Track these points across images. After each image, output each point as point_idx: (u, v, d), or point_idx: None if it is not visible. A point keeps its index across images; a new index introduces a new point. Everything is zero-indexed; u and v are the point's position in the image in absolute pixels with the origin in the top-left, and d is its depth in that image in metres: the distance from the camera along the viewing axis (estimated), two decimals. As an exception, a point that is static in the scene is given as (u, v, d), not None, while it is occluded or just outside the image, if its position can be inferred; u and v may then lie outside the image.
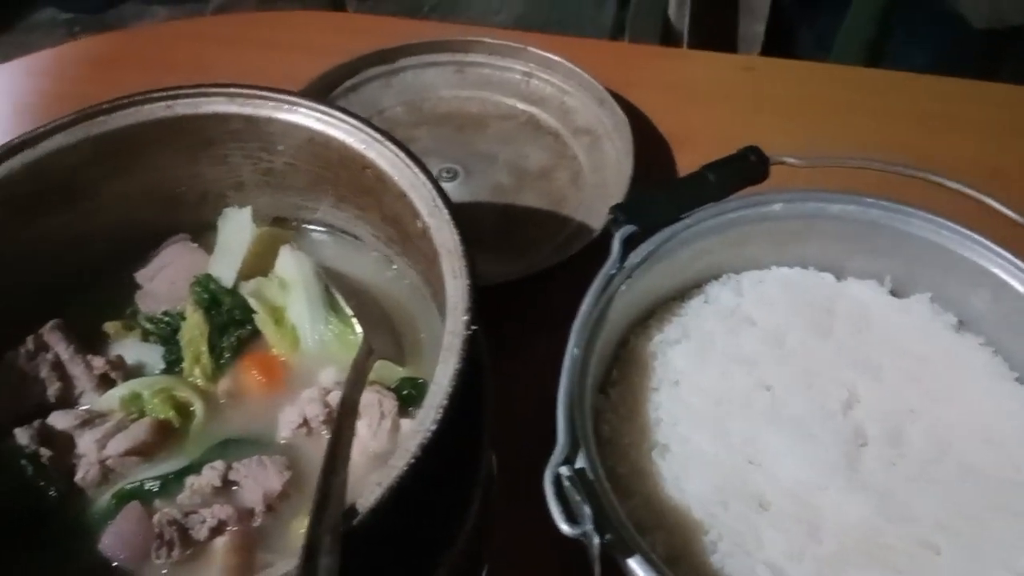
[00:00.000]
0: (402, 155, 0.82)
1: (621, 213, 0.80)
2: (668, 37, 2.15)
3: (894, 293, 0.90)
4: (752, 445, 0.76)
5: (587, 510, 0.59)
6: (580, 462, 0.66)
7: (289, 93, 0.87)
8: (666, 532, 0.71)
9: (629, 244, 0.79)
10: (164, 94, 0.86)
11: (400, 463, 0.64)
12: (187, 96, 0.87)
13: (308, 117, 0.86)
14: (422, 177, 0.81)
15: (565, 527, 0.60)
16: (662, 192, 0.83)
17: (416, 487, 0.65)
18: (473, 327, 0.71)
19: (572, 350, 0.73)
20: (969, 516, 0.72)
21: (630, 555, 0.61)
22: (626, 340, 0.85)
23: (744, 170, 0.84)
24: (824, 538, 0.71)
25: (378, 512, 0.62)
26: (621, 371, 0.83)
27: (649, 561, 0.61)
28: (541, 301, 1.10)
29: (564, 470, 0.64)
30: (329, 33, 1.50)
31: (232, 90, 0.87)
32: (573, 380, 0.71)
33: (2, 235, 0.84)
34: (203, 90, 0.87)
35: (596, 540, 0.59)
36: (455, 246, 0.77)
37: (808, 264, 0.90)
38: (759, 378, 0.80)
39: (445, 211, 0.79)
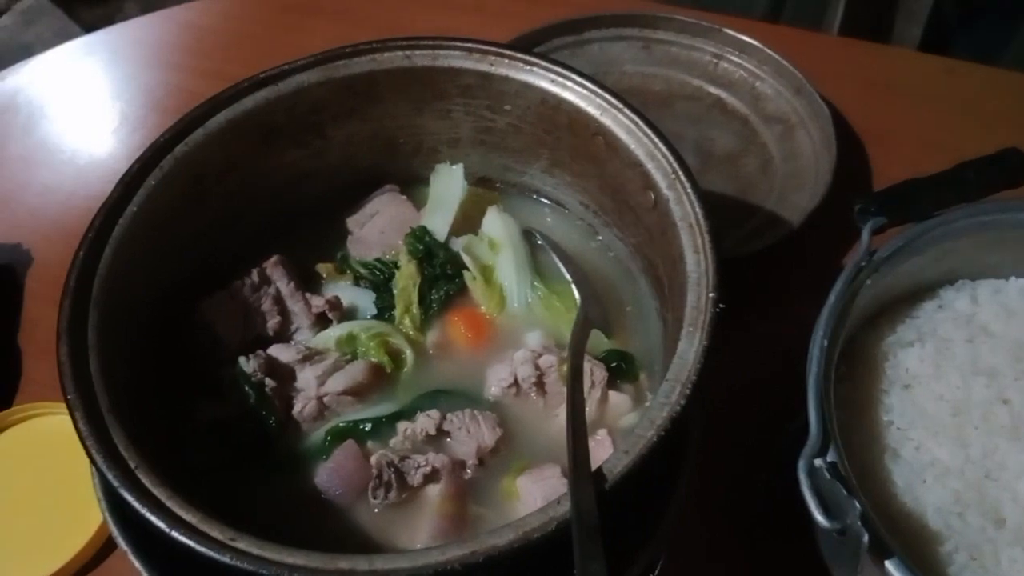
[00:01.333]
0: (641, 124, 0.81)
1: (872, 203, 0.77)
2: (819, 28, 2.07)
3: None
4: (990, 459, 0.73)
5: (856, 505, 0.57)
6: (830, 456, 0.64)
7: (526, 52, 0.87)
8: (901, 537, 0.69)
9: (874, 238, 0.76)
10: (404, 43, 0.87)
11: (648, 433, 0.64)
12: (426, 48, 0.87)
13: (543, 78, 0.86)
14: (663, 148, 0.79)
15: (822, 519, 0.59)
16: (918, 186, 0.79)
17: (657, 460, 0.65)
18: (721, 305, 0.69)
19: (821, 341, 0.70)
20: None
21: (889, 556, 0.59)
22: (854, 337, 0.82)
23: (1003, 172, 0.80)
24: (1068, 563, 0.67)
25: (628, 479, 0.62)
26: (849, 368, 0.81)
27: (906, 565, 0.59)
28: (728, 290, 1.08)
29: (819, 462, 0.62)
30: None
31: (470, 44, 0.87)
32: (821, 371, 0.68)
33: (238, 166, 0.87)
34: (441, 42, 0.87)
35: (865, 538, 0.57)
36: (697, 220, 0.75)
37: (1050, 277, 0.85)
38: (998, 391, 0.76)
39: (687, 184, 0.77)
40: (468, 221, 0.94)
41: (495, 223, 0.93)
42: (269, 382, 0.80)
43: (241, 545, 0.59)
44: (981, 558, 0.68)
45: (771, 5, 2.20)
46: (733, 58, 1.32)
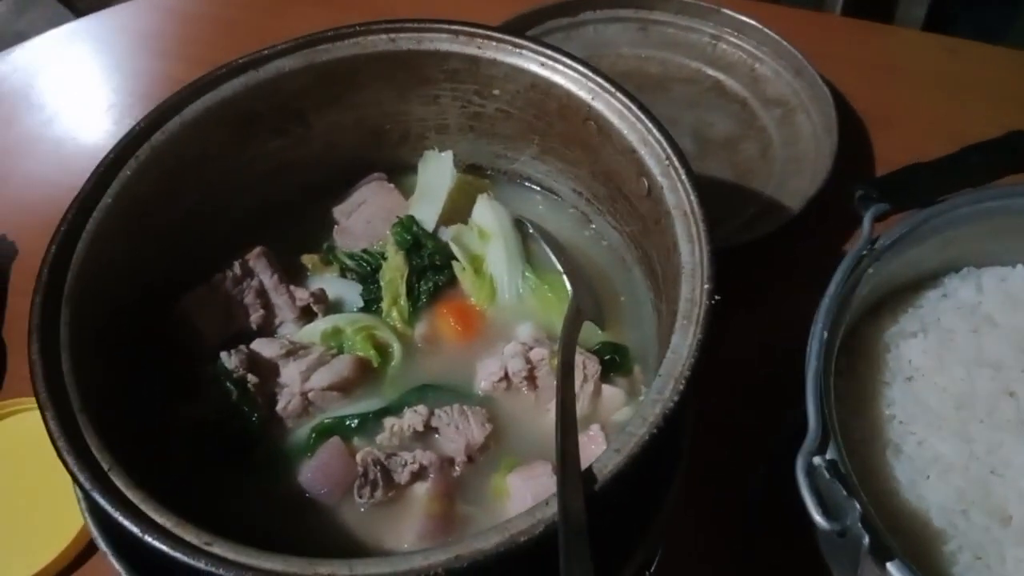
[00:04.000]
0: (634, 108, 0.78)
1: (874, 190, 0.74)
2: (820, 7, 2.04)
3: None
4: (995, 455, 0.70)
5: (856, 506, 0.55)
6: (830, 453, 0.62)
7: (514, 34, 0.84)
8: (903, 537, 0.66)
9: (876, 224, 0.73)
10: (388, 26, 0.84)
11: (640, 431, 0.61)
12: (410, 31, 0.84)
13: (533, 61, 0.83)
14: (657, 134, 0.76)
15: (821, 520, 0.56)
16: (921, 171, 0.76)
17: (649, 458, 0.63)
18: (717, 297, 0.67)
19: (821, 333, 0.68)
20: None
21: (890, 558, 0.57)
22: (855, 328, 0.80)
23: (1009, 156, 0.77)
24: (1076, 563, 0.65)
25: (618, 478, 0.60)
26: (849, 361, 0.78)
27: (909, 567, 0.57)
28: (727, 279, 1.05)
29: (817, 460, 0.59)
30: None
31: (456, 27, 0.84)
32: (821, 365, 0.66)
33: (217, 155, 0.84)
34: (426, 25, 0.85)
35: (866, 540, 0.54)
36: (692, 209, 0.72)
37: (1057, 265, 0.83)
38: (1004, 384, 0.74)
39: (681, 171, 0.74)
40: (458, 210, 0.92)
41: (485, 212, 0.90)
42: (251, 378, 0.77)
43: (217, 550, 0.57)
44: (986, 558, 0.66)
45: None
46: (732, 39, 1.28)
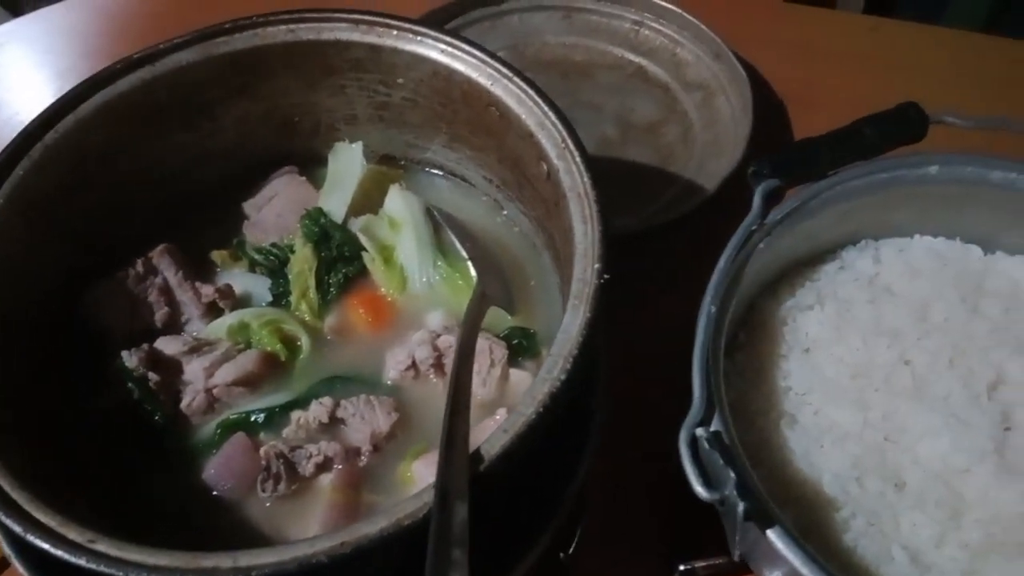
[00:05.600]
0: (532, 93, 0.78)
1: (766, 166, 0.75)
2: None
3: (1047, 271, 0.83)
4: (891, 421, 0.72)
5: (731, 475, 0.56)
6: (715, 425, 0.62)
7: (415, 22, 0.83)
8: (796, 505, 0.67)
9: (770, 200, 0.74)
10: (287, 17, 0.83)
11: (528, 411, 0.61)
12: (311, 20, 0.84)
13: (433, 49, 0.83)
14: (552, 116, 0.77)
15: (702, 490, 0.57)
16: (812, 145, 0.77)
17: (539, 438, 0.63)
18: (606, 276, 0.67)
19: (709, 308, 0.68)
20: None
21: (770, 525, 0.57)
22: (753, 303, 0.81)
23: (903, 127, 0.78)
24: (967, 524, 0.66)
25: (505, 458, 0.60)
26: (748, 335, 0.79)
27: (788, 533, 0.57)
28: (648, 259, 1.06)
29: (700, 431, 0.60)
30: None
31: (356, 16, 0.84)
32: (708, 339, 0.66)
33: (122, 151, 0.83)
34: (327, 15, 0.84)
35: (740, 507, 0.55)
36: (585, 190, 0.73)
37: (955, 235, 0.84)
38: (900, 352, 0.75)
39: (576, 153, 0.74)
40: (371, 201, 0.91)
41: (396, 201, 0.90)
42: (152, 376, 0.77)
43: (100, 547, 0.57)
44: (880, 523, 0.67)
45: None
46: (653, 24, 1.29)
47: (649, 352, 0.89)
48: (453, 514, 0.53)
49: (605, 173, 1.14)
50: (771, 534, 0.58)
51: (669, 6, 1.26)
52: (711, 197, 1.04)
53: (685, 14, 1.25)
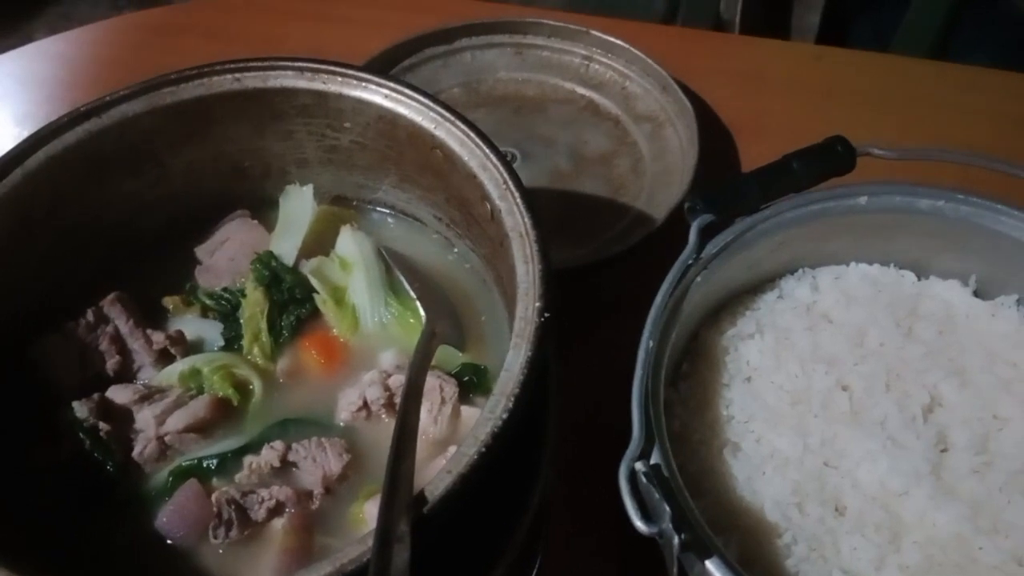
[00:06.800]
0: (473, 135, 0.80)
1: (699, 201, 0.77)
2: (719, 24, 2.10)
3: (978, 294, 0.86)
4: (830, 447, 0.73)
5: (667, 508, 0.57)
6: (655, 458, 0.64)
7: (359, 69, 0.85)
8: (739, 533, 0.68)
9: (706, 234, 0.76)
10: (233, 66, 0.85)
11: (471, 451, 0.63)
12: (256, 69, 0.85)
13: (377, 94, 0.84)
14: (493, 158, 0.78)
15: (640, 524, 0.58)
16: (743, 180, 0.79)
17: (484, 477, 0.64)
18: (547, 314, 0.69)
19: (647, 342, 0.70)
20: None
21: (708, 556, 0.59)
22: (696, 333, 0.82)
23: (830, 160, 0.81)
24: (906, 547, 0.68)
25: (449, 500, 0.61)
26: (691, 365, 0.80)
27: (727, 563, 0.59)
28: (601, 290, 1.08)
29: (639, 465, 0.61)
30: (390, 9, 1.47)
31: (301, 64, 0.85)
32: (647, 373, 0.68)
33: (70, 201, 0.84)
34: (272, 63, 0.85)
35: (676, 540, 0.56)
36: (527, 230, 0.74)
37: (889, 261, 0.86)
38: (837, 378, 0.77)
39: (516, 194, 0.76)
40: (323, 241, 0.92)
41: (347, 242, 0.91)
42: (103, 426, 0.77)
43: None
44: (821, 548, 0.68)
45: (669, 9, 2.23)
46: (603, 59, 1.32)
47: (606, 379, 0.90)
48: (392, 558, 0.54)
49: (559, 205, 1.19)
50: (709, 564, 0.59)
51: (617, 41, 1.29)
52: (660, 227, 1.06)
53: (632, 48, 1.28)
